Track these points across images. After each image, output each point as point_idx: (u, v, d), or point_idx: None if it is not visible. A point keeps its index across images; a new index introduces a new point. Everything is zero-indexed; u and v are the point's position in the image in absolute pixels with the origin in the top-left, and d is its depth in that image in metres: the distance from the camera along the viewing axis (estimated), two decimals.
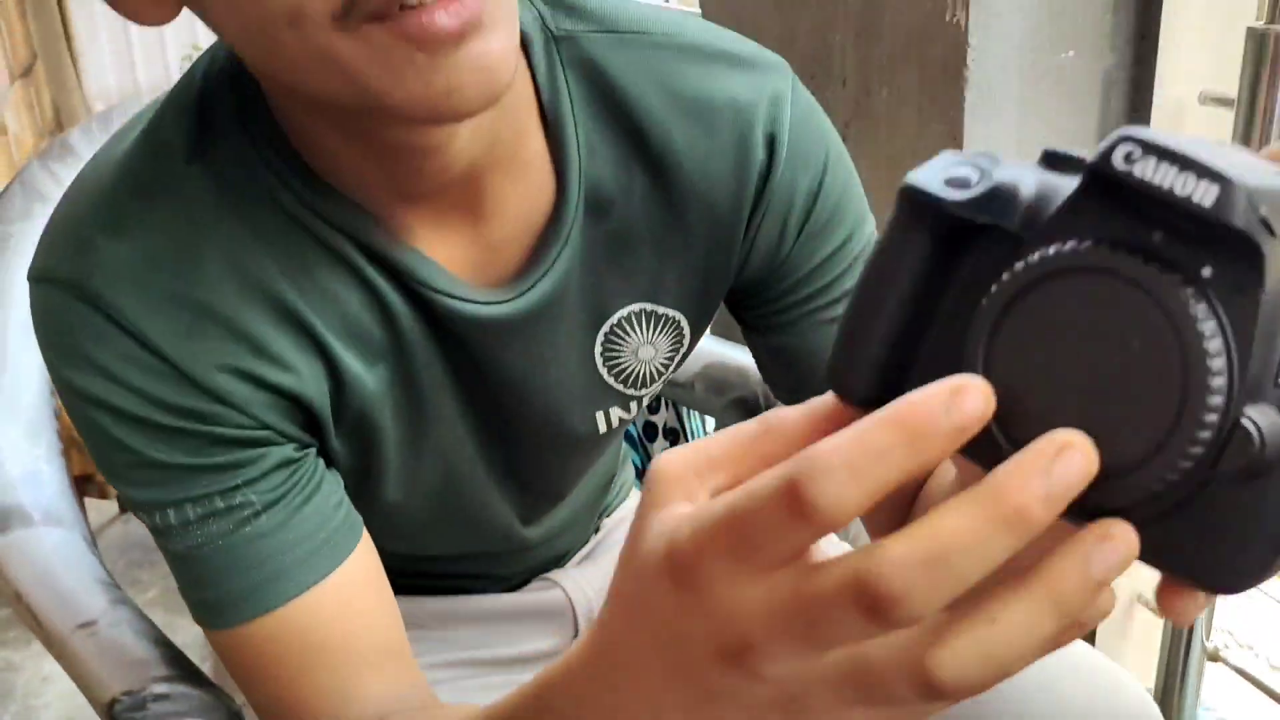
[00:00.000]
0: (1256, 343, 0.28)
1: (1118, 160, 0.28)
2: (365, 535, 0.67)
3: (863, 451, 0.29)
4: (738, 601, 0.32)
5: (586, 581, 0.91)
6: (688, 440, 1.22)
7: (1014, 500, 0.28)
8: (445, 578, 0.88)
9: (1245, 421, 0.28)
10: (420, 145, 0.58)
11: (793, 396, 0.81)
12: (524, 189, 0.65)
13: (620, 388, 0.74)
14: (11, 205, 1.04)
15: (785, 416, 0.35)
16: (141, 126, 0.63)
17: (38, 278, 0.61)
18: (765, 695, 0.33)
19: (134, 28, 3.49)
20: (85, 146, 1.07)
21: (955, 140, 1.08)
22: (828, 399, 0.35)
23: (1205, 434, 0.28)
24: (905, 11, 1.12)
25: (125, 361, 0.59)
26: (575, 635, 0.91)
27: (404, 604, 0.84)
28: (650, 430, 1.19)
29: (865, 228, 0.74)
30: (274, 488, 0.62)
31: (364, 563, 0.65)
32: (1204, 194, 0.27)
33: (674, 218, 0.68)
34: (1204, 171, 0.27)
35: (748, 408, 1.07)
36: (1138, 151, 0.28)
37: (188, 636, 0.79)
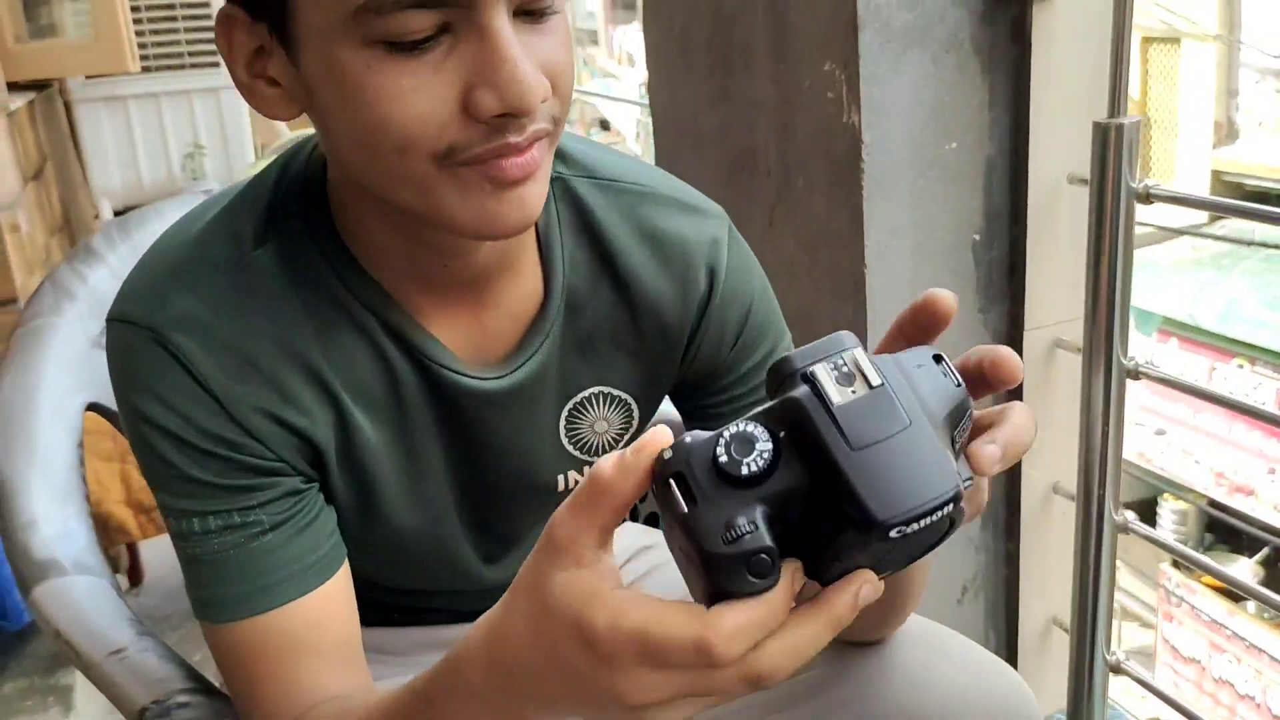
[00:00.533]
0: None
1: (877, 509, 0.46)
2: (346, 563, 0.79)
3: (752, 626, 0.47)
4: (639, 683, 0.50)
5: None
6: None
7: (838, 612, 0.49)
8: (425, 611, 1.00)
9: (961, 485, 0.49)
10: (456, 249, 0.75)
11: None
12: (519, 290, 0.81)
13: (578, 454, 0.88)
14: (43, 301, 1.17)
15: (603, 476, 0.50)
16: (215, 212, 0.77)
17: (116, 318, 0.74)
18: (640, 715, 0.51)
19: (138, 131, 3.72)
20: (107, 249, 1.21)
21: (857, 223, 1.23)
22: (629, 453, 0.50)
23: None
24: (811, 112, 1.26)
25: (179, 392, 0.72)
26: None
27: (388, 635, 0.97)
28: None
29: (784, 341, 0.92)
30: (282, 512, 0.75)
31: (342, 584, 0.78)
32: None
33: (630, 323, 0.85)
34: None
35: None
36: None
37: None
